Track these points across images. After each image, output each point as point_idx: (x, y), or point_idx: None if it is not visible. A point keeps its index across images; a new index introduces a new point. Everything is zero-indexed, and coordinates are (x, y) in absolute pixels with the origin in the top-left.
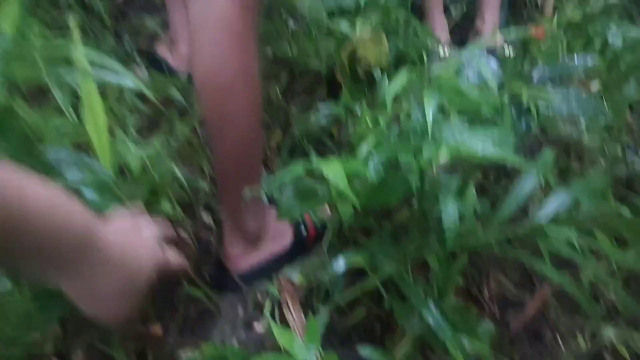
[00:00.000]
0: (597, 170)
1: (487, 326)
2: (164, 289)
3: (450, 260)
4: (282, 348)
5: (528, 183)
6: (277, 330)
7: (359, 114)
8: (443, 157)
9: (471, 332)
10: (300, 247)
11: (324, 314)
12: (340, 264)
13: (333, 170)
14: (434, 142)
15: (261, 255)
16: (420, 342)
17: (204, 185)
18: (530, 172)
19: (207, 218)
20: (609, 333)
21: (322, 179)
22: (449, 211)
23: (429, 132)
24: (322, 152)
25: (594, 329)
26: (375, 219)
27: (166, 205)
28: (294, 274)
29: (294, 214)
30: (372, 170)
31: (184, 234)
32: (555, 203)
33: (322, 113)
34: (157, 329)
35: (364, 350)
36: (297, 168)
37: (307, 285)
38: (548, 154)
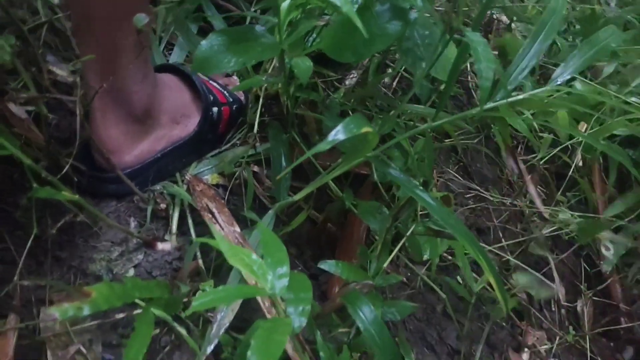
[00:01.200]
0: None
1: None
2: None
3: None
4: (203, 271)
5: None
6: (227, 247)
7: None
8: None
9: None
10: (210, 135)
11: (267, 220)
12: (339, 133)
13: None
14: None
15: (155, 143)
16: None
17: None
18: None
19: (62, 71)
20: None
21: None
22: (484, 66)
23: None
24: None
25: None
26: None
27: None
28: (206, 170)
29: (216, 66)
30: None
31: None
32: (572, 64)
33: None
34: None
35: (327, 265)
36: None
37: (223, 184)
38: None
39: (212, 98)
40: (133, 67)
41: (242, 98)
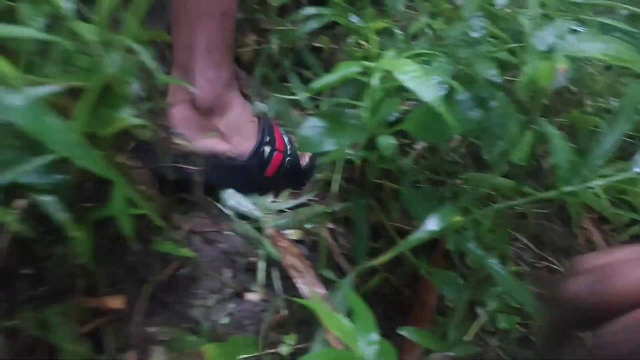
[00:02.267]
0: None
1: None
2: (120, 248)
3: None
4: (282, 329)
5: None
6: (324, 313)
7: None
8: (562, 64)
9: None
10: (256, 172)
11: (347, 283)
12: (433, 224)
13: (409, 70)
14: (534, 46)
15: (211, 142)
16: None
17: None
18: None
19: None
20: None
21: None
22: (561, 158)
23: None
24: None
25: None
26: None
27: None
28: (286, 226)
29: (317, 147)
30: (432, 89)
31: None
32: None
33: (307, 15)
34: (117, 301)
35: (407, 331)
36: (348, 66)
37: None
38: None
39: (268, 139)
40: (213, 56)
41: (305, 162)
